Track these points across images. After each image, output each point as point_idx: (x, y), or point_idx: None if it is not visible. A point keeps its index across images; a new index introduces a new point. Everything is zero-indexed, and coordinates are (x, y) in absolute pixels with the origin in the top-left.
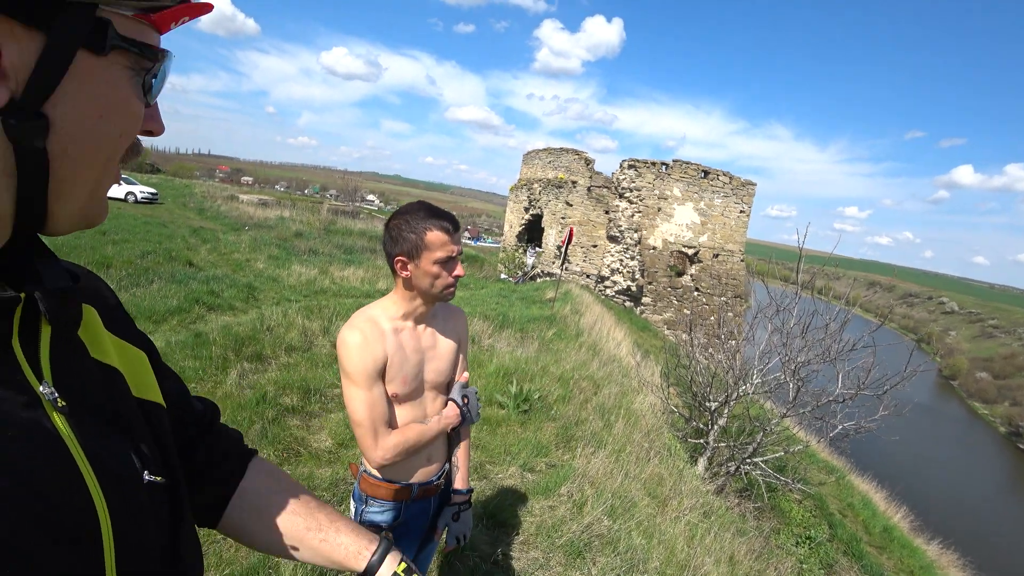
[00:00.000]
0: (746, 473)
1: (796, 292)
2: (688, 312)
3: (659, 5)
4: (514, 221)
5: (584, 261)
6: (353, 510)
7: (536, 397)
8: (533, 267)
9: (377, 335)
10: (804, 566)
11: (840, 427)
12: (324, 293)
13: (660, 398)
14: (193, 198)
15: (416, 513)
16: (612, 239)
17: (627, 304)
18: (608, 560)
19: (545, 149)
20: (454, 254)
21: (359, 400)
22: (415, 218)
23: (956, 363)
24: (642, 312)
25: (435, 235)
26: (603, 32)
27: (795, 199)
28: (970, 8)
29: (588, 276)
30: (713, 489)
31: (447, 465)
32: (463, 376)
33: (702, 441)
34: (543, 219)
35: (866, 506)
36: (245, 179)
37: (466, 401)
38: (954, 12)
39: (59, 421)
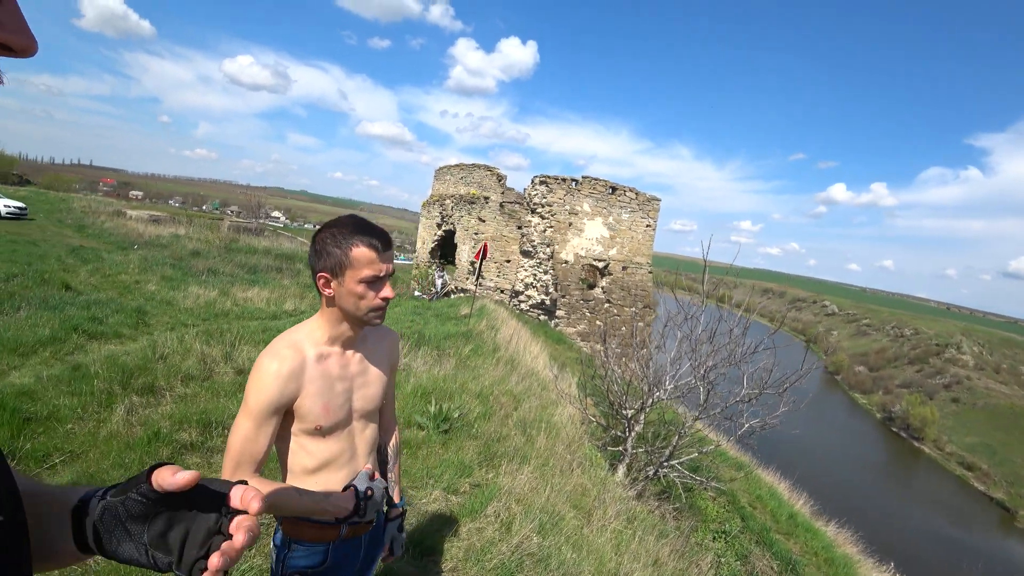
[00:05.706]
0: (663, 476)
1: (702, 301)
2: (601, 324)
3: (572, 30)
4: (427, 237)
5: (498, 276)
6: (274, 558)
7: (456, 416)
8: (444, 286)
9: (297, 366)
10: (722, 559)
11: (747, 425)
12: (225, 316)
13: (578, 409)
14: (71, 214)
15: (345, 554)
16: (525, 254)
17: (541, 318)
18: None
19: (457, 165)
20: (382, 273)
21: (241, 430)
22: (342, 232)
23: (838, 359)
24: (556, 325)
25: (361, 251)
26: (517, 53)
27: (695, 214)
28: (839, 46)
29: (502, 291)
30: (634, 495)
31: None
32: (369, 465)
33: (620, 448)
34: (456, 235)
35: (772, 496)
36: (134, 193)
37: (370, 494)
38: (825, 48)
39: None
